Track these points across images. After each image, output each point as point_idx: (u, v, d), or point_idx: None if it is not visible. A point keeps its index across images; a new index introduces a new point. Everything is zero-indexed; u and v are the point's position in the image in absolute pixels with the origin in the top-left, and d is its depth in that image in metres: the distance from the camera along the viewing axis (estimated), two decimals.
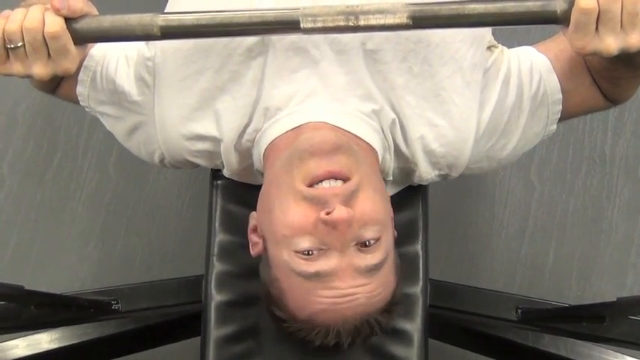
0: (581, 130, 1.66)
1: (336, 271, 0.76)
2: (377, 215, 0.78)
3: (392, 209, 0.88)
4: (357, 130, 0.84)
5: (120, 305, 1.11)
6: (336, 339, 0.79)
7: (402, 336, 1.00)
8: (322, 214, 0.75)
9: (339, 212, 0.74)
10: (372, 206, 0.78)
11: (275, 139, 0.84)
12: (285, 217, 0.77)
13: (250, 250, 0.88)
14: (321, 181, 0.77)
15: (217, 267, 1.04)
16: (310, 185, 0.77)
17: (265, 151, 0.86)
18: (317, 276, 0.77)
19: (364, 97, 0.84)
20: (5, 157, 1.70)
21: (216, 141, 0.89)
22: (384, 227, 0.79)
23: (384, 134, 0.87)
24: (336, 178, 0.78)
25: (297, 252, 0.77)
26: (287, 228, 0.77)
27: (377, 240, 0.78)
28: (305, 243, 0.76)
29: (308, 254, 0.76)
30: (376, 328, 0.81)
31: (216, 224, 1.06)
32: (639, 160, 1.64)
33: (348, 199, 0.76)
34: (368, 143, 0.85)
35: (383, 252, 0.79)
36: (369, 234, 0.77)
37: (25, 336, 1.13)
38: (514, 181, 1.64)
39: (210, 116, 0.87)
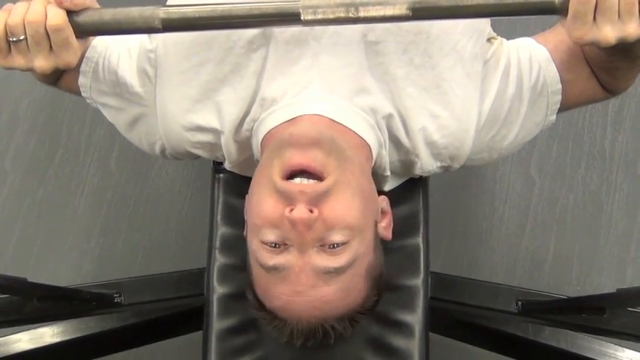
0: (580, 126, 1.66)
1: (293, 267, 0.76)
2: (348, 219, 0.76)
3: (386, 209, 0.88)
4: (351, 123, 0.84)
5: (122, 298, 1.12)
6: (290, 337, 0.79)
7: (402, 328, 1.01)
8: (286, 211, 0.75)
9: (299, 212, 0.74)
10: (344, 210, 0.76)
11: (271, 129, 0.85)
12: (258, 207, 0.78)
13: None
14: (295, 175, 0.77)
15: (219, 260, 1.05)
16: (286, 178, 0.77)
17: (262, 140, 0.87)
18: (275, 269, 0.77)
19: (360, 91, 0.84)
20: (7, 154, 1.70)
21: (216, 133, 0.89)
22: (357, 232, 0.77)
23: (379, 129, 0.87)
24: (309, 174, 0.77)
25: (263, 243, 0.77)
26: (258, 218, 0.78)
27: (344, 244, 0.76)
28: (271, 235, 0.76)
29: (274, 247, 0.77)
30: (331, 333, 0.79)
31: (218, 217, 1.07)
32: (639, 156, 1.64)
33: (316, 200, 0.75)
34: (361, 138, 0.85)
35: (348, 257, 0.76)
36: (335, 237, 0.76)
37: (28, 330, 1.14)
38: (514, 176, 1.65)
39: (211, 108, 0.87)
